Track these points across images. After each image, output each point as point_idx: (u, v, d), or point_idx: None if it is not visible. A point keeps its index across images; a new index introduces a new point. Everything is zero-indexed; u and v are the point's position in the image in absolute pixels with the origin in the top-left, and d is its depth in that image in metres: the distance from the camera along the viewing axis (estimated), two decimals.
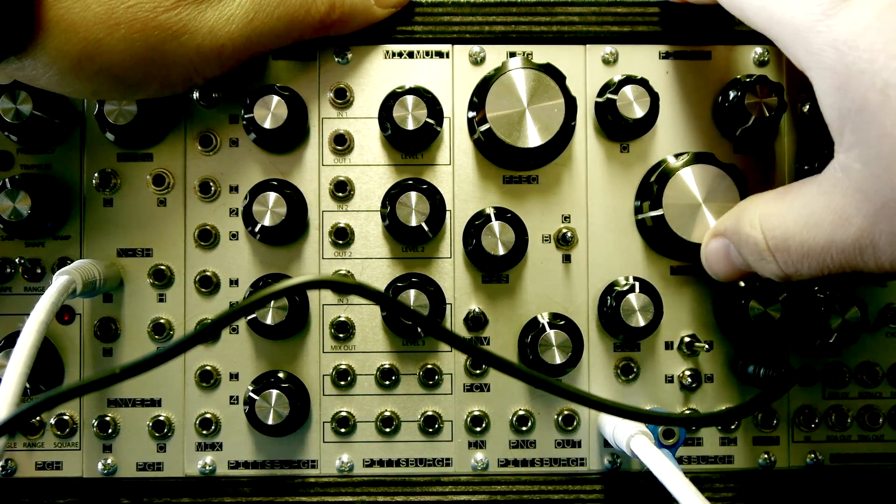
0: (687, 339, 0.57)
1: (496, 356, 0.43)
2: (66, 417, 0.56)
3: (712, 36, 0.57)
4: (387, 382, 0.57)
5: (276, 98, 0.53)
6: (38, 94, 0.53)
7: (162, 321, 0.56)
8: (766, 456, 0.58)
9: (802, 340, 0.57)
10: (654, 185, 0.54)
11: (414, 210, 0.53)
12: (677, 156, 0.55)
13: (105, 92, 0.51)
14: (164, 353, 0.38)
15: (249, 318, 0.54)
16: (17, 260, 0.56)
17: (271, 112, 0.53)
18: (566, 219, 0.57)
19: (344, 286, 0.43)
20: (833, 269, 0.42)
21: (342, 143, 0.57)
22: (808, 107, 0.57)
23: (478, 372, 0.57)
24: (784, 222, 0.44)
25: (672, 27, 0.57)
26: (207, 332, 0.39)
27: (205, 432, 0.56)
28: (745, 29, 0.57)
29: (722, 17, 0.57)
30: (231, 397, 0.57)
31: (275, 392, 0.54)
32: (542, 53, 0.57)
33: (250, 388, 0.55)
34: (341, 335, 0.57)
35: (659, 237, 0.55)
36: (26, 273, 0.56)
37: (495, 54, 0.57)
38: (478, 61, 0.57)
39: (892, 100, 0.37)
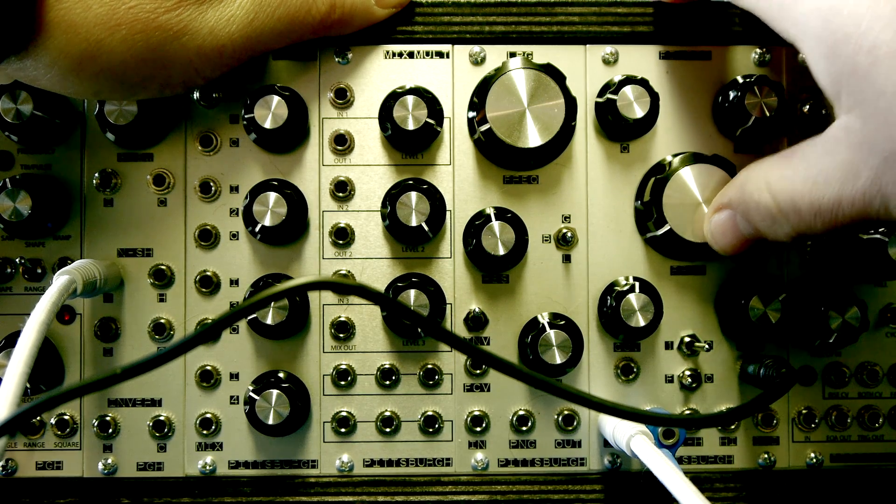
0: (687, 339, 0.57)
1: (496, 356, 0.43)
2: (66, 417, 0.56)
3: (712, 36, 0.57)
4: (387, 382, 0.57)
5: (276, 98, 0.53)
6: (39, 94, 0.53)
7: (162, 321, 0.56)
8: (766, 456, 0.58)
9: (802, 340, 0.57)
10: (652, 208, 0.54)
11: (414, 210, 0.53)
12: (668, 161, 0.56)
13: (106, 92, 0.51)
14: (164, 354, 0.38)
15: (250, 318, 0.54)
16: (17, 260, 0.56)
17: (272, 112, 0.53)
18: (566, 219, 0.57)
19: (345, 287, 0.43)
20: (844, 221, 0.44)
21: (342, 143, 0.57)
22: (808, 107, 0.57)
23: (478, 372, 0.57)
24: (792, 184, 0.45)
25: (672, 27, 0.57)
26: (208, 334, 0.39)
27: (205, 432, 0.56)
28: (746, 29, 0.57)
29: (721, 16, 0.57)
30: (231, 397, 0.57)
31: (275, 392, 0.54)
32: (543, 53, 0.57)
33: (250, 387, 0.55)
34: (341, 335, 0.57)
35: (669, 246, 0.55)
36: (27, 273, 0.56)
37: (495, 54, 0.57)
38: (478, 61, 0.57)
39: (881, 59, 0.39)
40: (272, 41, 0.52)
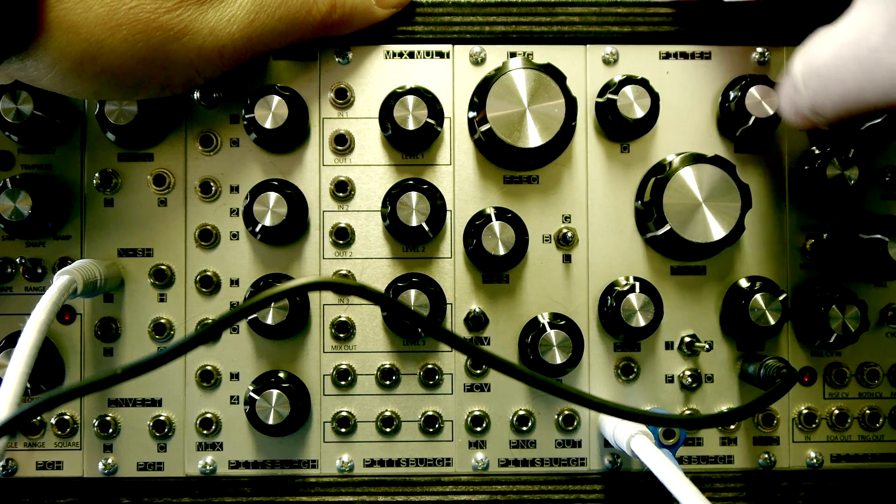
0: (687, 339, 0.57)
1: (496, 357, 0.43)
2: (66, 417, 0.56)
3: (713, 36, 0.58)
4: (387, 382, 0.57)
5: (276, 98, 0.53)
6: (39, 94, 0.53)
7: (162, 321, 0.56)
8: (766, 456, 0.58)
9: (803, 340, 0.57)
10: (652, 208, 0.54)
11: (414, 210, 0.53)
12: (668, 161, 0.55)
13: (106, 92, 0.51)
14: (164, 355, 0.38)
15: (250, 317, 0.54)
16: (17, 260, 0.56)
17: (272, 112, 0.53)
18: (566, 219, 0.57)
19: (345, 288, 0.43)
20: (851, 86, 0.43)
21: (343, 143, 0.57)
22: None
23: (478, 372, 0.57)
24: (819, 52, 0.45)
25: (672, 27, 0.57)
26: (208, 334, 0.39)
27: (205, 432, 0.56)
28: (745, 29, 0.57)
29: (722, 18, 0.57)
30: (231, 397, 0.57)
31: (275, 392, 0.54)
32: (543, 53, 0.57)
33: (251, 387, 0.55)
34: (342, 335, 0.57)
35: (669, 246, 0.55)
36: (27, 273, 0.56)
37: (496, 54, 0.57)
38: (478, 61, 0.57)
39: None
40: (273, 41, 0.52)
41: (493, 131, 0.53)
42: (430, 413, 0.57)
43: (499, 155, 0.55)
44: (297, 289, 0.40)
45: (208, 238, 0.56)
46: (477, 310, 0.56)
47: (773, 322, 0.54)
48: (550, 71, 0.53)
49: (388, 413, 0.57)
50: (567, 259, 0.57)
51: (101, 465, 0.56)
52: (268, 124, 0.53)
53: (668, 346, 0.58)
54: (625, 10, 0.57)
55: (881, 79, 0.41)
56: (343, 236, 0.56)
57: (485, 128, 0.53)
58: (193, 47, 0.49)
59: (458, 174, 0.57)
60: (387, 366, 0.57)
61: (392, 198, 0.54)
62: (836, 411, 0.58)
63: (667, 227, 0.53)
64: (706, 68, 0.58)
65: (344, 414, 0.57)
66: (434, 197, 0.54)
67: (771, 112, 0.54)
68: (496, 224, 0.53)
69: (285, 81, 0.57)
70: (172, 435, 0.57)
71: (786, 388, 0.51)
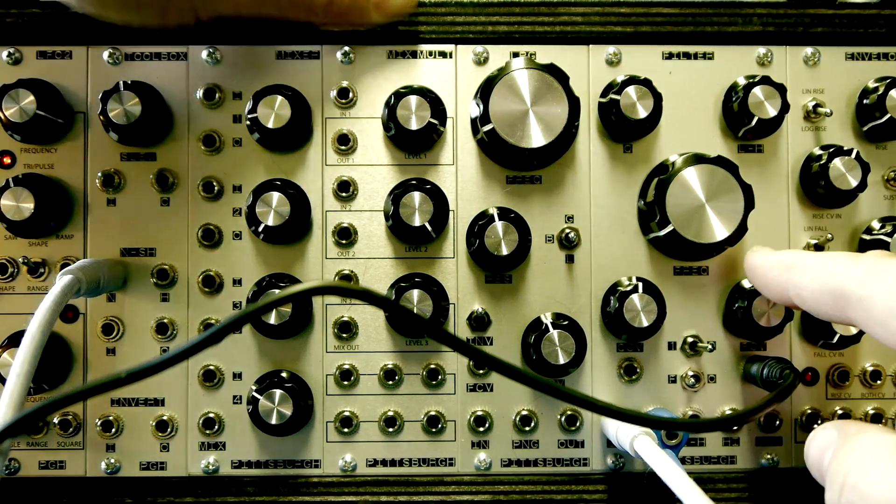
0: (690, 340, 0.57)
1: (499, 360, 0.43)
2: (69, 417, 0.56)
3: (715, 36, 0.57)
4: (390, 382, 0.57)
5: (279, 98, 0.53)
6: (42, 93, 0.53)
7: (165, 321, 0.56)
8: (769, 456, 0.58)
9: (806, 341, 0.57)
10: (655, 208, 0.53)
11: (417, 210, 0.53)
12: (671, 161, 0.55)
13: (101, 5, 0.51)
14: (168, 359, 0.38)
15: None
16: (20, 259, 0.56)
17: (275, 112, 0.53)
18: (569, 219, 0.57)
19: (349, 292, 0.43)
20: None
21: (345, 143, 0.57)
22: (811, 106, 0.57)
23: (481, 372, 0.57)
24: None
25: (675, 28, 0.57)
26: (211, 339, 0.39)
27: (208, 432, 0.56)
28: (748, 29, 0.57)
29: (724, 17, 0.57)
30: (234, 397, 0.57)
31: (278, 392, 0.54)
32: (546, 53, 0.57)
33: (253, 387, 0.55)
34: (344, 335, 0.57)
35: (672, 247, 0.55)
36: (30, 272, 0.56)
37: (499, 54, 0.57)
38: (481, 61, 0.57)
39: None
40: (270, 5, 0.52)
41: (496, 131, 0.53)
42: (432, 413, 0.57)
43: (502, 155, 0.55)
44: (301, 294, 0.40)
45: (211, 238, 0.56)
46: (480, 310, 0.56)
47: (775, 322, 0.54)
48: (553, 71, 0.53)
49: (390, 413, 0.57)
50: (570, 259, 0.57)
51: (103, 465, 0.56)
52: (270, 124, 0.53)
53: (671, 346, 0.57)
54: (628, 10, 0.57)
55: None
56: (346, 236, 0.56)
57: (488, 128, 0.53)
58: None
59: (460, 174, 0.57)
60: (389, 366, 0.57)
61: (395, 198, 0.54)
62: (839, 412, 0.58)
63: (670, 228, 0.53)
64: (709, 68, 0.58)
65: (347, 414, 0.57)
66: (437, 197, 0.54)
67: (774, 112, 0.54)
68: (499, 224, 0.53)
69: (288, 81, 0.57)
70: (175, 434, 0.57)
71: (788, 390, 0.51)
